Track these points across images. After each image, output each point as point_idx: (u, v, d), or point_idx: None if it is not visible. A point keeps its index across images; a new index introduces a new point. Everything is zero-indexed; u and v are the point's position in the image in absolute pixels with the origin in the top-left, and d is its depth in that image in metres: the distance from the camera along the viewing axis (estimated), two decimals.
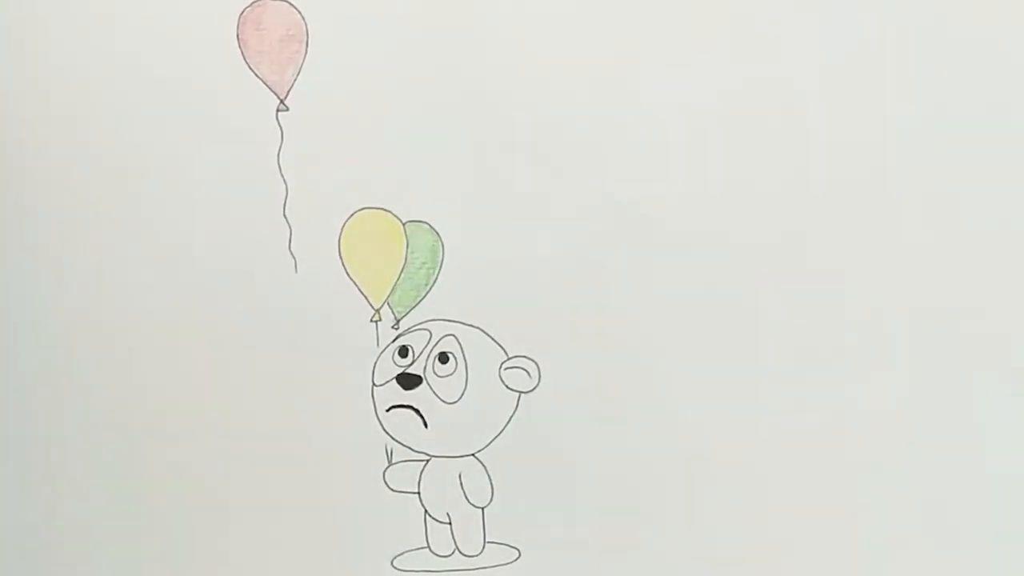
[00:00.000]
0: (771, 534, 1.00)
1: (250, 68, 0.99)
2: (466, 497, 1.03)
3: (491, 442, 1.02)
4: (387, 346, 1.02)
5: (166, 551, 1.06)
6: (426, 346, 1.02)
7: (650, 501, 1.01)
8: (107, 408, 1.05)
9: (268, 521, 1.05)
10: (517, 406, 1.01)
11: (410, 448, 1.03)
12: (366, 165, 1.00)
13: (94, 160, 1.02)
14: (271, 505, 1.04)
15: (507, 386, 1.01)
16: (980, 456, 0.98)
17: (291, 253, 1.01)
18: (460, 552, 1.03)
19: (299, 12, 0.99)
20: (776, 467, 0.99)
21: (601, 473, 1.01)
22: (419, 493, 1.03)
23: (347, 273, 1.01)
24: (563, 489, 1.02)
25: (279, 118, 1.00)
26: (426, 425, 1.02)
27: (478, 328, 1.01)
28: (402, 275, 1.01)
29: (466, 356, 1.01)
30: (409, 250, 1.01)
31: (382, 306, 1.02)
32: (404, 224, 1.01)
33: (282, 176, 1.00)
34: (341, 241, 1.01)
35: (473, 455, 1.02)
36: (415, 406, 1.02)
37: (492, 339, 1.01)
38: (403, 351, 1.02)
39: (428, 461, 1.03)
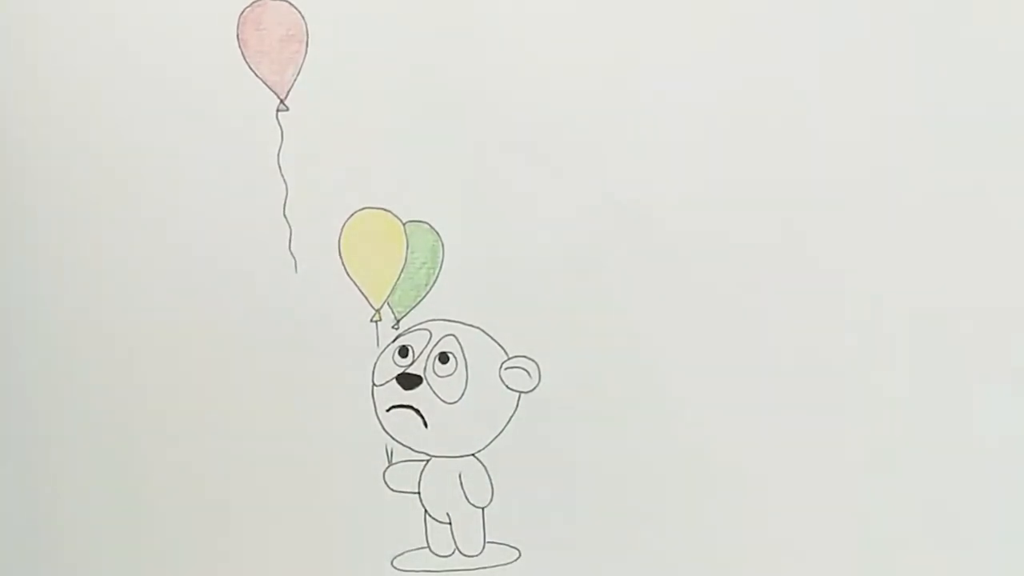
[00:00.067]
0: (771, 534, 1.00)
1: (250, 68, 0.99)
2: (466, 497, 1.03)
3: (491, 442, 1.02)
4: (387, 346, 1.02)
5: (166, 551, 1.06)
6: (426, 346, 1.02)
7: (650, 501, 1.01)
8: (107, 408, 1.05)
9: (268, 521, 1.05)
10: (517, 406, 1.01)
11: (410, 448, 1.03)
12: (366, 165, 1.00)
13: (94, 160, 1.02)
14: (271, 505, 1.04)
15: (507, 386, 1.01)
16: (980, 456, 0.97)
17: (291, 253, 1.01)
18: (460, 552, 1.03)
19: (299, 12, 0.99)
20: (776, 467, 0.99)
21: (601, 473, 1.01)
22: (419, 493, 1.03)
23: (347, 273, 1.01)
24: (563, 489, 1.02)
25: (279, 118, 1.00)
26: (426, 425, 1.02)
27: (478, 328, 1.01)
28: (402, 275, 1.01)
29: (466, 356, 1.01)
30: (409, 250, 1.01)
31: (382, 306, 1.01)
32: (404, 224, 1.01)
33: (282, 176, 1.00)
34: (341, 241, 1.01)
35: (473, 455, 1.02)
36: (415, 406, 1.02)
37: (492, 339, 1.01)
38: (403, 351, 1.02)
39: (428, 461, 1.03)
